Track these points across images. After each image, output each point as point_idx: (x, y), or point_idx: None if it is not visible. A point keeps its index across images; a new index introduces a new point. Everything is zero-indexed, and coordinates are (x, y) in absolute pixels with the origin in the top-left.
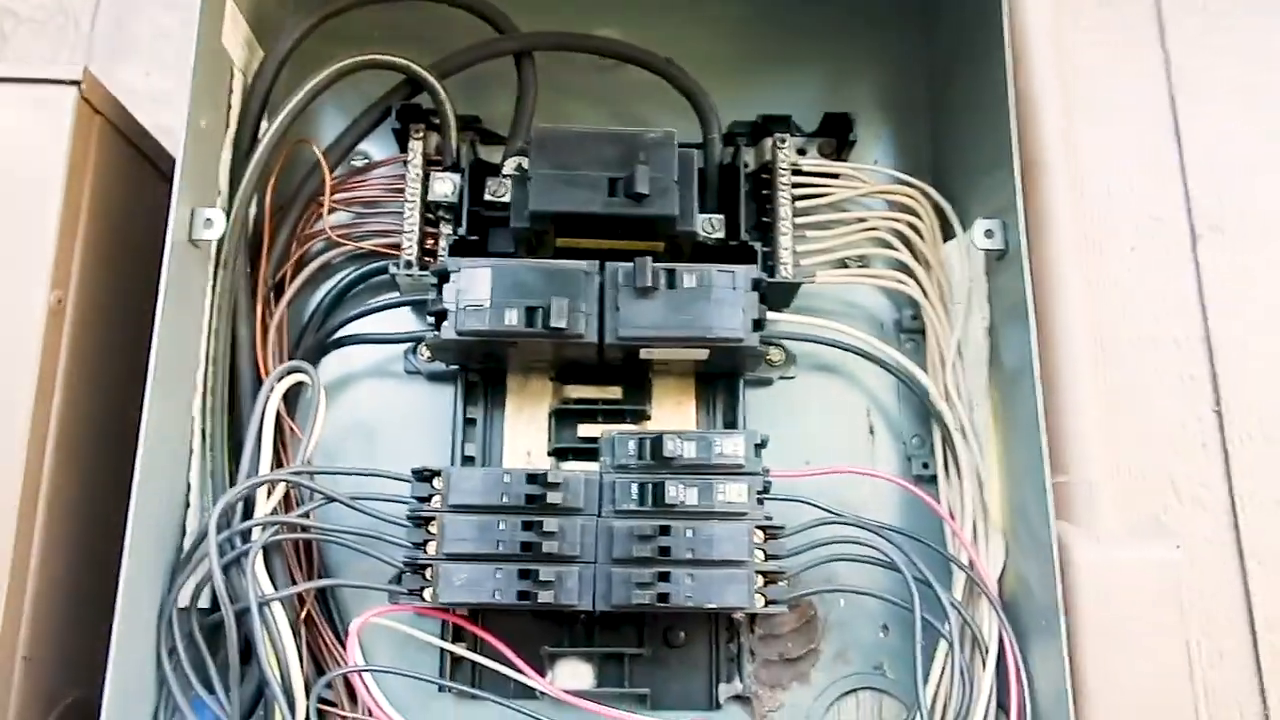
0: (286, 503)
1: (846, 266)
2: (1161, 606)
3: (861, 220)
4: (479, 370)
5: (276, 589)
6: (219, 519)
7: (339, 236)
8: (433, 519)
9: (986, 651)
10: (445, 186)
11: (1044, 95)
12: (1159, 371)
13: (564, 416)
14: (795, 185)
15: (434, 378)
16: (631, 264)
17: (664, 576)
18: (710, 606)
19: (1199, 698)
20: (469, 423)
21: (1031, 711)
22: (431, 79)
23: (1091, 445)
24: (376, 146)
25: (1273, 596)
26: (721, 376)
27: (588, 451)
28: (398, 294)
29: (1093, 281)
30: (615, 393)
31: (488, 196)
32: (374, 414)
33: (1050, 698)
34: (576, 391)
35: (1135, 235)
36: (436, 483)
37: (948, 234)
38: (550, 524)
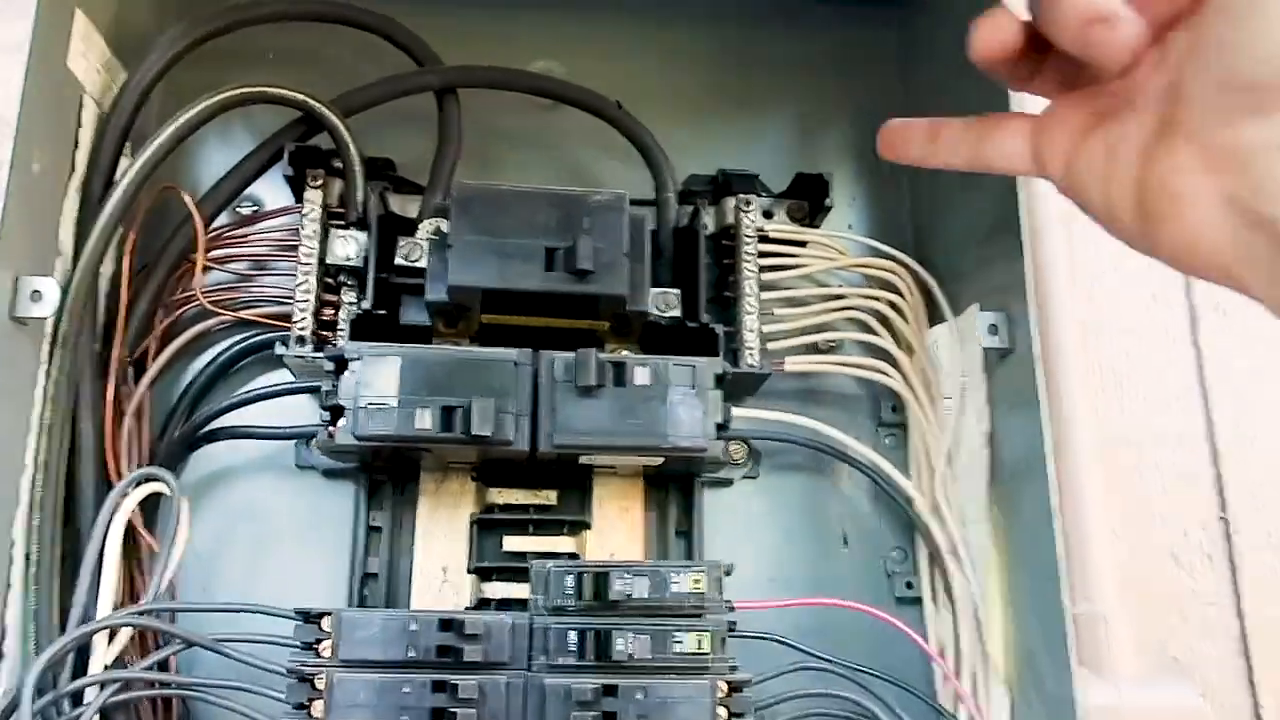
0: (143, 642)
1: (818, 350)
2: None
3: (837, 297)
4: (385, 469)
5: None
6: (39, 677)
7: (213, 304)
8: (320, 673)
9: None
10: (348, 248)
11: None
12: (1157, 471)
13: (488, 526)
14: (761, 254)
15: (332, 474)
16: (571, 355)
17: None
18: None
19: None
20: (373, 531)
21: None
22: (333, 116)
23: (1102, 570)
24: (268, 192)
25: None
26: (675, 478)
27: (518, 570)
28: (289, 375)
29: (1089, 370)
30: (549, 498)
31: (399, 260)
32: (258, 520)
33: None
34: (503, 496)
35: (1131, 317)
36: (327, 624)
37: (935, 315)
38: (466, 687)
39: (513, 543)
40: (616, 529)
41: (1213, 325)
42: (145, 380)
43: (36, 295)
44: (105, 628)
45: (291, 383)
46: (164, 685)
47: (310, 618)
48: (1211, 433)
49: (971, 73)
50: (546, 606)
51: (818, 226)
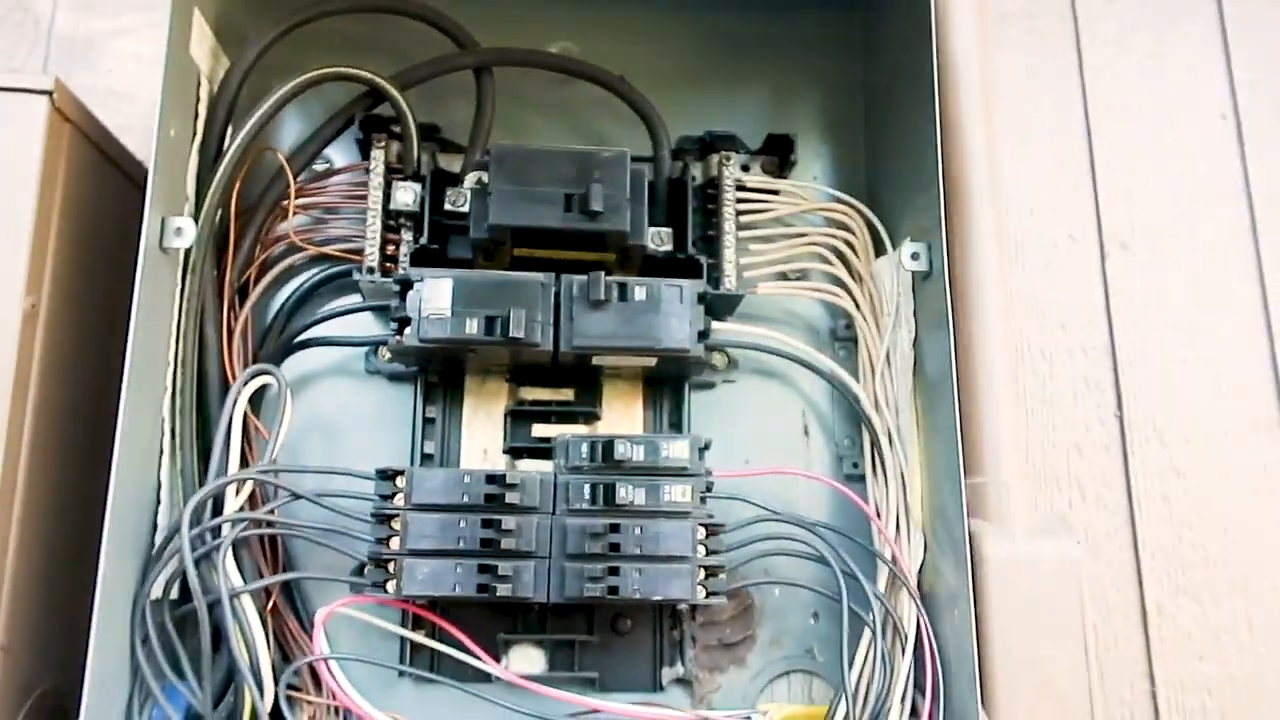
0: (251, 500)
1: (786, 278)
2: (1063, 597)
3: (801, 235)
4: (438, 372)
5: (245, 582)
6: (191, 515)
7: (301, 240)
8: (396, 516)
9: (906, 638)
10: (407, 196)
11: (970, 119)
12: (1068, 379)
13: (519, 417)
14: (739, 200)
15: (394, 378)
16: (585, 276)
17: (614, 571)
18: (656, 598)
19: (1094, 679)
20: (428, 422)
21: (944, 691)
22: (395, 92)
23: (1005, 448)
24: (336, 152)
25: (1161, 586)
26: (668, 380)
27: (542, 450)
28: (359, 298)
29: (1010, 294)
30: (568, 395)
31: (447, 206)
32: (335, 413)
33: (962, 679)
34: (531, 393)
35: (1051, 251)
36: (399, 481)
37: (880, 249)
38: (509, 522)
39: (539, 429)
40: (621, 420)
41: (1118, 260)
42: (249, 302)
43: (179, 231)
44: (236, 480)
45: (363, 304)
46: (272, 525)
47: (387, 475)
48: (1113, 347)
49: (924, 55)
50: (567, 467)
51: (787, 177)
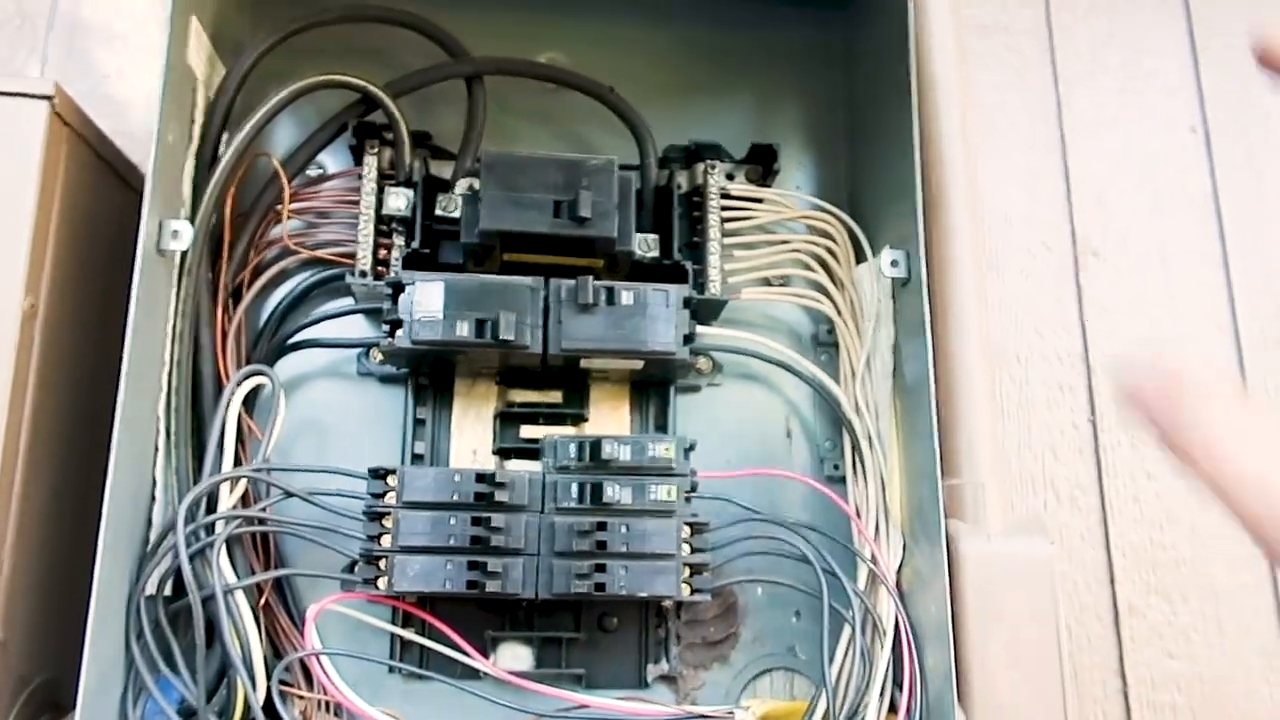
0: (244, 498)
1: (769, 284)
2: (1037, 594)
3: (784, 242)
4: (428, 374)
5: (238, 578)
6: (185, 513)
7: (295, 244)
8: (388, 514)
9: (884, 635)
10: (399, 201)
11: (948, 130)
12: (1042, 383)
13: (508, 419)
14: (724, 208)
15: (385, 380)
16: (574, 281)
17: (600, 568)
18: (642, 595)
19: (1067, 675)
20: (419, 423)
21: (921, 688)
22: (387, 100)
23: (982, 451)
24: (329, 158)
25: (1133, 586)
26: (654, 384)
27: (530, 451)
28: (351, 300)
29: (987, 301)
30: (556, 397)
31: (439, 211)
32: (326, 413)
33: (938, 676)
34: (520, 395)
35: (1026, 260)
36: (391, 480)
37: (860, 257)
38: (498, 520)
39: (528, 431)
40: (608, 423)
41: (1092, 268)
42: (243, 305)
43: (175, 234)
44: (230, 479)
45: (355, 307)
46: (264, 523)
47: (379, 474)
48: (1086, 353)
49: (903, 66)
50: (555, 467)
51: (770, 186)
